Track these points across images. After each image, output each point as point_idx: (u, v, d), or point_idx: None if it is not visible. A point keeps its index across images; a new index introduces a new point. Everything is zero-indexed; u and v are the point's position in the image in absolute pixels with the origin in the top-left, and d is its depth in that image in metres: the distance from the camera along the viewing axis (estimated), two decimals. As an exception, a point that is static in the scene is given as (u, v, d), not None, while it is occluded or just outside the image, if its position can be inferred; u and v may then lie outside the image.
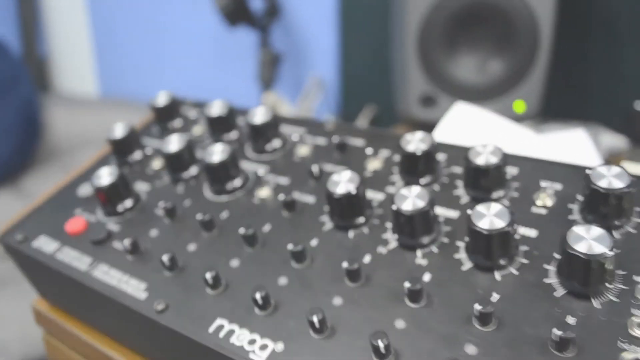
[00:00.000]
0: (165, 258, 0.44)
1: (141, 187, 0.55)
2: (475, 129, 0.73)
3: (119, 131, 0.59)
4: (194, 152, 0.55)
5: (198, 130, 0.62)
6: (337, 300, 0.38)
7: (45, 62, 2.10)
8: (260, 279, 0.41)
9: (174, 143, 0.53)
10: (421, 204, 0.39)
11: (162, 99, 0.64)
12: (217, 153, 0.50)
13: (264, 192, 0.50)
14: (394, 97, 1.18)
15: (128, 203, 0.52)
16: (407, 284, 0.36)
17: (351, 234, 0.43)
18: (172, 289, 0.43)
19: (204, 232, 0.47)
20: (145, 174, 0.57)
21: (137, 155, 0.59)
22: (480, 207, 0.37)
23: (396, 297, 0.37)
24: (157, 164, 0.58)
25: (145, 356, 0.50)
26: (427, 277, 0.38)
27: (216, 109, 0.58)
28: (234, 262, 0.44)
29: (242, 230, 0.44)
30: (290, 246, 0.41)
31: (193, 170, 0.54)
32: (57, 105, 1.88)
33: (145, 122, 0.67)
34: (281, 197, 0.47)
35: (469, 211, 0.37)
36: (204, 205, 0.50)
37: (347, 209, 0.43)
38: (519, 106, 1.04)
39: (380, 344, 0.33)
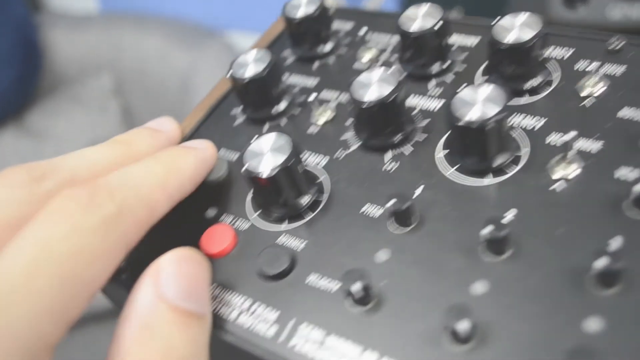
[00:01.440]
0: (459, 327, 0.22)
1: (306, 159, 0.32)
2: None
3: (253, 65, 0.34)
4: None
5: (368, 56, 0.38)
6: None
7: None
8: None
9: (380, 83, 0.30)
10: None
11: (305, 8, 0.38)
12: (482, 103, 0.27)
13: (564, 170, 0.27)
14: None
15: (308, 196, 0.29)
16: None
17: None
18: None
19: (491, 255, 0.25)
20: (306, 136, 0.34)
21: (283, 104, 0.36)
22: None
23: None
24: (324, 116, 0.34)
25: None
26: None
27: (425, 19, 0.33)
28: (591, 324, 0.22)
29: (595, 263, 0.22)
30: None
31: (405, 129, 0.31)
32: (55, 25, 1.58)
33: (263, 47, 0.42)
34: (633, 187, 0.24)
35: None
36: (459, 196, 0.28)
37: None
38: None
39: None
